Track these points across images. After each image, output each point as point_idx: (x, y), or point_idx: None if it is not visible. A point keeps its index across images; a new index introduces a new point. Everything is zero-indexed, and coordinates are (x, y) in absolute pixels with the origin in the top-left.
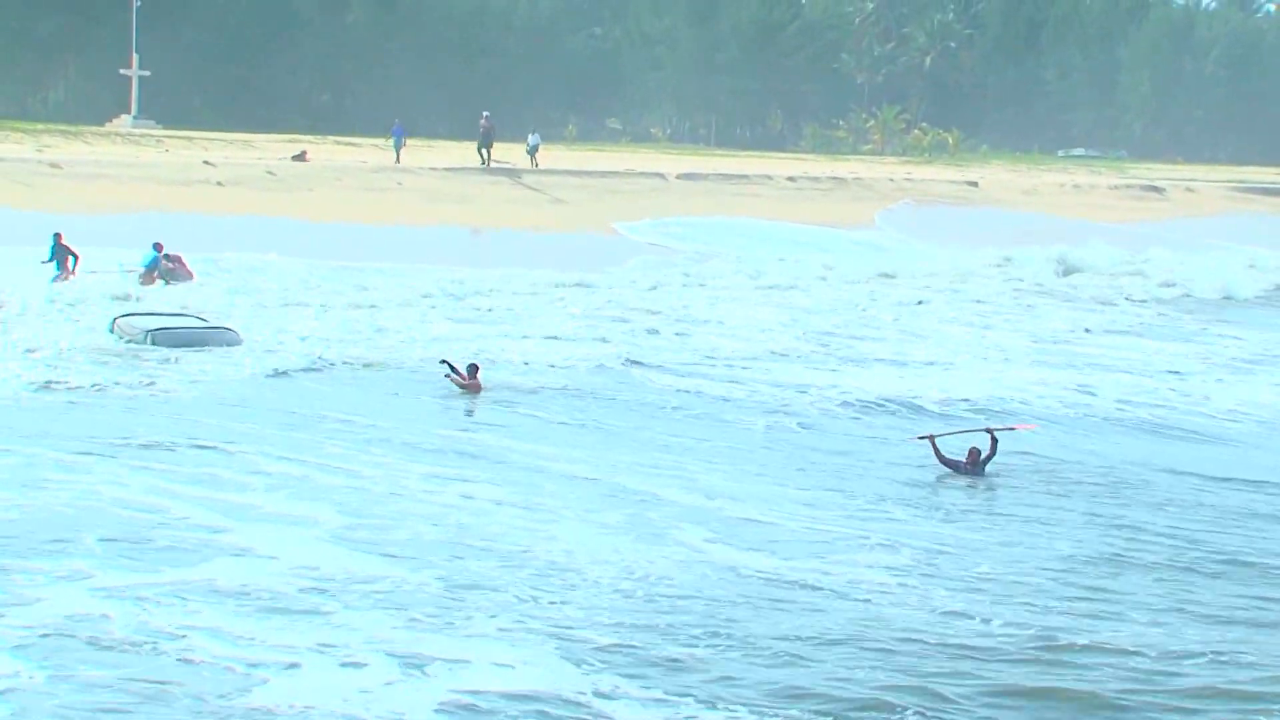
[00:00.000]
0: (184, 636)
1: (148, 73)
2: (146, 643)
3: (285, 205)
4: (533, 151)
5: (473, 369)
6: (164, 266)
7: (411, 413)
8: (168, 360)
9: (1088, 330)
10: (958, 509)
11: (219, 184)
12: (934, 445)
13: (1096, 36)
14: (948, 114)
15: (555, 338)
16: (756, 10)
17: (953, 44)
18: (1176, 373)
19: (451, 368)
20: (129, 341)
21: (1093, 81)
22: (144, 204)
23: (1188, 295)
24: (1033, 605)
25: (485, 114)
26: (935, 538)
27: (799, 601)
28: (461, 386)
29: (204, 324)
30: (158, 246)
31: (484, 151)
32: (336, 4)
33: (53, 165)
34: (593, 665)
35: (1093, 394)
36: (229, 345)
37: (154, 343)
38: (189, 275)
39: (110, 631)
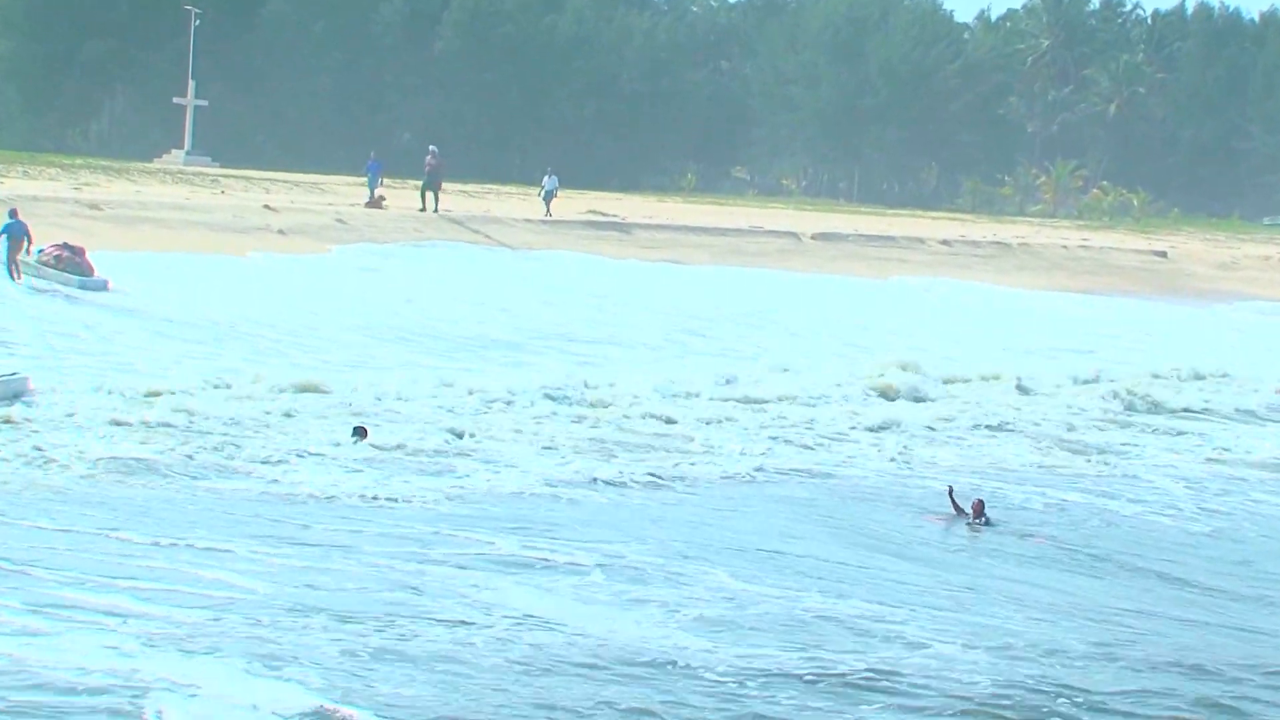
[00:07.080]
0: None
1: (204, 103)
2: None
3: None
4: (548, 197)
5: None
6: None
7: None
8: None
9: None
10: None
11: (280, 232)
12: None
13: None
14: (1133, 171)
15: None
16: (910, 48)
17: (1141, 90)
18: None
19: None
20: None
21: None
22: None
23: None
24: None
25: (432, 149)
26: None
27: None
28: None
29: None
30: (13, 213)
31: (427, 195)
32: (423, 30)
33: (92, 206)
34: None
35: None
36: (15, 395)
37: None
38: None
39: None
